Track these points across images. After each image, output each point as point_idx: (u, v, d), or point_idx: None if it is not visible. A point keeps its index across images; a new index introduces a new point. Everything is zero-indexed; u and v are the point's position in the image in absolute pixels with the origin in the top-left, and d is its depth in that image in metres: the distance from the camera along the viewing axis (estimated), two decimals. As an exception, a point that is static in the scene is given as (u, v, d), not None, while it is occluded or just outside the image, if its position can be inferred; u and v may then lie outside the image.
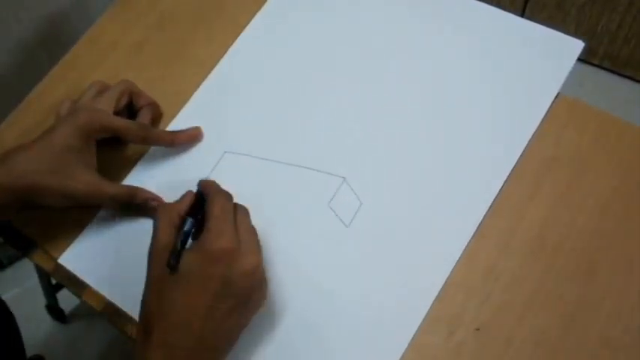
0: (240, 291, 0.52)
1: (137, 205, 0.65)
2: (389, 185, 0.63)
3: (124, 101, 0.69)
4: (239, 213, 0.56)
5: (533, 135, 0.63)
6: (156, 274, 0.53)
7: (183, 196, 0.58)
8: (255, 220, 0.62)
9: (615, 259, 0.58)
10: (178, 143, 0.69)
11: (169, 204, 0.58)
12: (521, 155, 0.63)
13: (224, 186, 0.66)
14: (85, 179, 0.63)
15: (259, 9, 0.77)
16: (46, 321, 1.46)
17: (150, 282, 0.54)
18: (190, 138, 0.69)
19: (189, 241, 0.54)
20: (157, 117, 0.72)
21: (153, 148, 0.70)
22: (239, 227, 0.54)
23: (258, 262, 0.53)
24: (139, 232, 0.65)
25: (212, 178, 0.66)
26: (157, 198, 0.65)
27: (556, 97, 0.65)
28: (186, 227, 0.54)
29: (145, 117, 0.70)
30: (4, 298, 0.79)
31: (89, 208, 0.66)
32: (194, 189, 0.65)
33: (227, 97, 0.72)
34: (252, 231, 0.55)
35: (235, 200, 0.65)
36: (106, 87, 0.70)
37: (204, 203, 0.56)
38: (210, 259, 0.51)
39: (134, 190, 0.65)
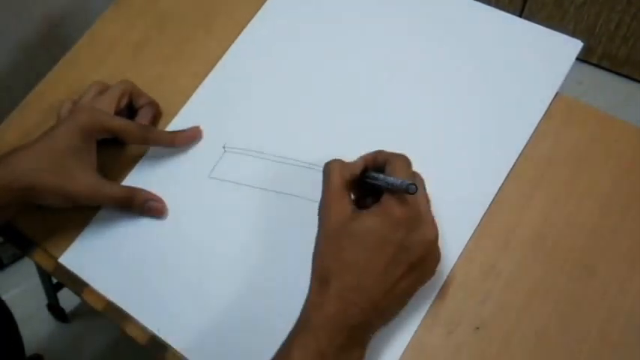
0: (415, 259, 0.52)
1: (137, 205, 0.65)
2: (388, 184, 0.64)
3: (124, 101, 0.69)
4: (420, 183, 0.56)
5: (532, 134, 0.64)
6: (332, 227, 0.53)
7: (356, 160, 0.57)
8: (255, 219, 0.63)
9: (614, 258, 0.58)
10: (179, 143, 0.69)
11: (339, 160, 0.57)
12: (520, 154, 0.63)
13: (226, 185, 0.66)
14: (85, 180, 0.63)
15: (259, 9, 0.77)
16: (47, 320, 1.46)
17: (326, 234, 0.54)
18: (190, 138, 0.69)
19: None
20: (157, 116, 0.72)
21: (153, 148, 0.70)
22: (417, 197, 0.53)
23: (436, 233, 0.53)
24: (140, 231, 0.65)
25: (213, 176, 0.67)
26: (157, 198, 0.65)
27: (555, 96, 0.65)
28: (374, 173, 0.55)
29: (144, 116, 0.70)
30: (4, 297, 0.79)
31: (90, 207, 0.67)
32: (199, 187, 0.66)
33: (227, 96, 0.72)
34: (429, 201, 0.55)
35: (237, 197, 0.65)
36: (106, 87, 0.70)
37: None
38: (392, 223, 0.51)
39: (134, 191, 0.65)
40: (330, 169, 0.56)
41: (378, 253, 0.51)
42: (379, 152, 0.57)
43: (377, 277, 0.51)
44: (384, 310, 0.53)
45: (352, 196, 0.56)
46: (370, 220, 0.52)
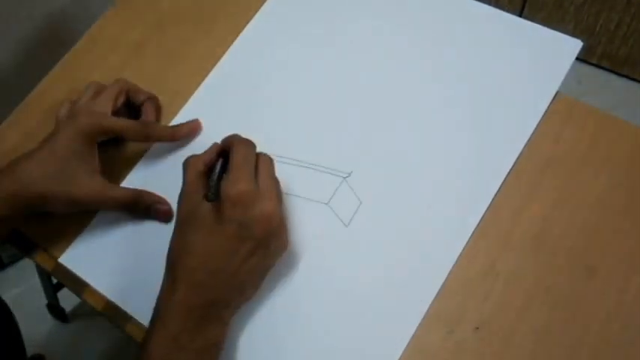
0: (257, 234, 0.54)
1: (143, 208, 0.65)
2: (388, 184, 0.64)
3: (121, 100, 0.69)
4: (261, 160, 0.58)
5: (532, 134, 0.64)
6: (181, 217, 0.57)
7: (210, 148, 0.60)
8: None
9: (614, 258, 0.58)
10: (179, 137, 0.69)
11: (195, 156, 0.60)
12: (520, 154, 0.63)
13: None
14: (91, 185, 0.63)
15: (259, 8, 0.77)
16: (47, 320, 1.46)
17: (176, 225, 0.57)
18: (190, 131, 0.70)
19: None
20: (158, 109, 0.72)
21: (154, 147, 0.70)
22: (259, 174, 0.56)
23: (273, 207, 0.55)
24: (140, 231, 0.66)
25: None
26: (162, 201, 0.65)
27: (554, 96, 0.65)
28: (216, 169, 0.58)
29: (149, 112, 0.70)
30: (5, 297, 0.79)
31: (91, 208, 0.67)
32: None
33: (227, 96, 0.72)
34: (272, 179, 0.58)
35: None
36: (103, 87, 0.70)
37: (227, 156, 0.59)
38: (228, 202, 0.53)
39: (139, 194, 0.65)
40: (185, 164, 0.59)
41: (218, 232, 0.54)
42: (230, 138, 0.60)
43: (222, 256, 0.54)
44: (239, 286, 0.55)
45: (222, 165, 0.58)
46: (210, 203, 0.55)
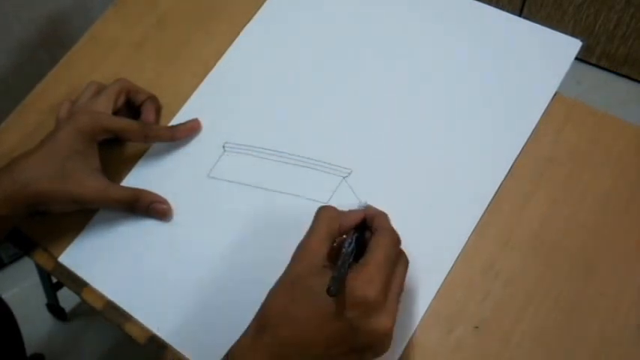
0: (360, 344, 0.49)
1: (142, 207, 0.65)
2: (387, 183, 0.64)
3: (121, 100, 0.69)
4: (399, 264, 0.52)
5: (532, 134, 0.64)
6: (295, 273, 0.51)
7: (353, 212, 0.56)
8: (255, 218, 0.63)
9: (613, 257, 0.58)
10: (178, 137, 0.69)
11: (334, 209, 0.55)
12: (519, 154, 0.63)
13: (225, 185, 0.66)
14: (92, 184, 0.63)
15: (259, 8, 0.77)
16: (47, 319, 1.46)
17: (286, 278, 0.51)
18: (190, 130, 0.70)
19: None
20: (158, 109, 0.72)
21: (154, 146, 0.70)
22: (392, 281, 0.50)
23: (392, 326, 0.49)
24: (139, 230, 0.66)
25: (213, 175, 0.67)
26: (161, 200, 0.66)
27: (554, 96, 0.65)
28: (349, 249, 0.51)
29: (149, 112, 0.70)
30: (4, 296, 0.79)
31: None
32: (199, 187, 0.66)
33: (227, 95, 0.72)
34: (401, 289, 0.51)
35: (236, 197, 0.65)
36: (103, 87, 0.70)
37: (364, 228, 0.54)
38: (350, 300, 0.48)
39: (139, 193, 0.65)
40: (320, 214, 0.54)
41: (324, 320, 0.48)
42: (377, 215, 0.55)
43: (317, 346, 0.48)
44: None
45: (354, 248, 0.52)
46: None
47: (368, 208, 0.56)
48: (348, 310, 0.47)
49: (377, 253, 0.50)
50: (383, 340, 0.49)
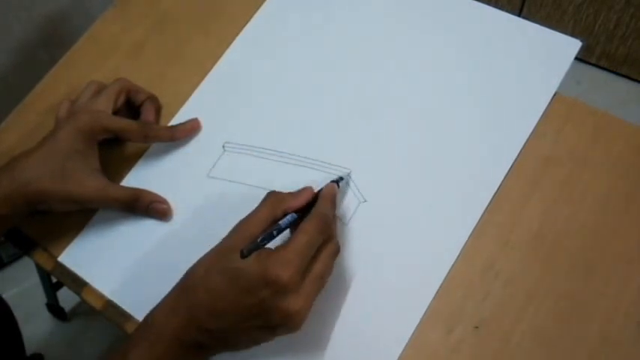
0: (272, 321, 0.51)
1: (142, 207, 0.65)
2: (387, 183, 0.64)
3: (121, 100, 0.69)
4: (325, 249, 0.54)
5: (531, 133, 0.64)
6: (226, 246, 0.53)
7: (300, 193, 0.58)
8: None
9: (613, 256, 0.58)
10: (178, 137, 0.69)
11: (281, 193, 0.57)
12: (519, 153, 0.63)
13: (225, 184, 0.66)
14: (92, 184, 0.63)
15: (258, 8, 0.77)
16: (47, 319, 1.46)
17: (215, 249, 0.54)
18: (190, 130, 0.70)
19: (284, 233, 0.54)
20: (158, 109, 0.72)
21: (153, 146, 0.70)
22: (314, 265, 0.53)
23: (304, 309, 0.51)
24: (139, 230, 0.66)
25: (212, 175, 0.67)
26: (161, 200, 0.66)
27: (553, 96, 0.65)
28: (283, 222, 0.54)
29: (148, 111, 0.70)
30: (4, 296, 0.79)
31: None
32: (199, 187, 0.66)
33: (227, 95, 0.72)
34: (322, 277, 0.54)
35: (236, 197, 0.65)
36: (103, 86, 0.70)
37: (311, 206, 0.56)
38: (264, 278, 0.50)
39: (139, 193, 0.65)
40: (266, 197, 0.56)
41: (239, 294, 0.51)
42: (321, 198, 0.57)
43: (231, 316, 0.51)
44: (228, 342, 0.53)
45: (288, 224, 0.55)
46: (252, 264, 0.51)
47: (320, 190, 0.58)
48: (261, 288, 0.50)
49: (299, 237, 0.52)
50: (294, 320, 0.51)
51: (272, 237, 0.53)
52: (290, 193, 0.57)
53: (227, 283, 0.51)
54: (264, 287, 0.50)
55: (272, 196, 0.56)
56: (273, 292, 0.50)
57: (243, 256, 0.51)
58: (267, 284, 0.50)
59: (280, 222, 0.54)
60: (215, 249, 0.54)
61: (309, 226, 0.53)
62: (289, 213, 0.56)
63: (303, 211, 0.56)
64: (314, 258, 0.53)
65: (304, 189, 0.58)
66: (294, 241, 0.52)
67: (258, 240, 0.52)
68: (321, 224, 0.54)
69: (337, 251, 0.56)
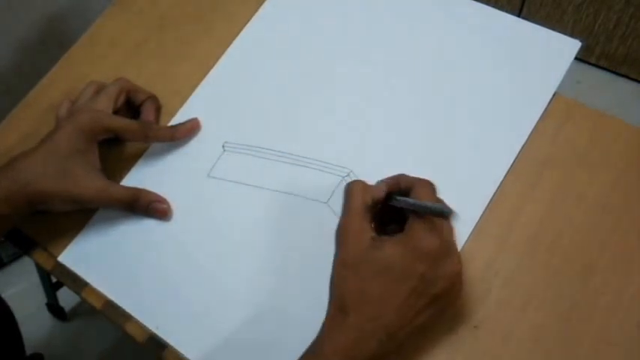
0: (437, 292, 0.51)
1: (142, 207, 0.65)
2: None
3: (121, 100, 0.69)
4: None
5: (531, 133, 0.64)
6: (351, 254, 0.52)
7: (383, 182, 0.56)
8: (254, 218, 0.63)
9: (612, 256, 0.58)
10: (178, 137, 0.69)
11: (363, 183, 0.56)
12: (518, 153, 0.63)
13: (225, 184, 0.67)
14: (92, 184, 0.63)
15: (258, 8, 0.77)
16: (47, 319, 1.46)
17: (344, 261, 0.52)
18: (190, 130, 0.70)
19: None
20: (158, 109, 0.72)
21: (153, 146, 0.70)
22: (444, 226, 0.52)
23: (460, 267, 0.52)
24: (139, 230, 0.66)
25: (212, 175, 0.67)
26: (161, 199, 0.66)
27: (553, 96, 0.65)
28: (402, 199, 0.53)
29: (149, 111, 0.70)
30: (4, 296, 0.79)
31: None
32: (198, 187, 0.66)
33: (227, 95, 0.72)
34: (454, 232, 0.54)
35: (236, 197, 0.65)
36: (103, 86, 0.70)
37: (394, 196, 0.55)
38: (415, 255, 0.50)
39: (139, 193, 0.65)
40: (351, 190, 0.55)
41: (400, 284, 0.50)
42: (402, 176, 0.56)
43: (397, 309, 0.50)
44: (400, 341, 0.51)
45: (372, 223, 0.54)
46: (393, 249, 0.51)
47: (388, 179, 0.57)
48: (418, 266, 0.50)
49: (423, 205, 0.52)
50: (456, 282, 0.52)
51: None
52: (371, 186, 0.56)
53: (385, 284, 0.50)
54: (421, 262, 0.50)
55: (355, 186, 0.55)
56: (431, 262, 0.50)
57: (448, 215, 0.50)
58: (422, 257, 0.50)
59: (414, 202, 0.53)
60: (346, 262, 0.52)
61: (423, 191, 0.53)
62: (376, 201, 0.54)
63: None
64: None
65: (381, 181, 0.57)
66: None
67: (442, 206, 0.51)
68: (431, 185, 0.54)
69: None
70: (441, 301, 0.52)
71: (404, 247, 0.51)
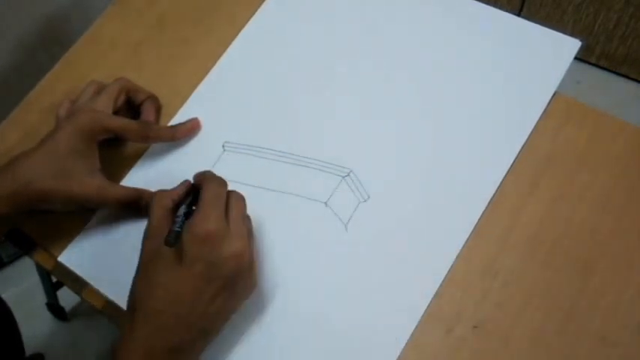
0: (226, 273, 0.52)
1: (143, 207, 0.65)
2: (386, 183, 0.64)
3: (121, 100, 0.69)
4: (232, 199, 0.56)
5: (531, 133, 0.64)
6: (146, 257, 0.55)
7: (179, 185, 0.59)
8: (254, 218, 0.63)
9: (612, 256, 0.58)
10: (179, 137, 0.69)
11: (164, 191, 0.58)
12: (518, 153, 0.63)
13: (228, 184, 0.66)
14: (92, 184, 0.63)
15: (258, 8, 0.77)
16: (47, 319, 1.46)
17: (140, 263, 0.55)
18: (190, 130, 0.70)
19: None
20: (158, 109, 0.72)
21: (153, 146, 0.70)
22: (229, 212, 0.55)
23: (243, 246, 0.53)
24: (139, 229, 0.65)
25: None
26: None
27: (553, 95, 0.65)
28: (180, 211, 0.56)
29: (149, 111, 0.70)
30: (4, 296, 0.79)
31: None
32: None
33: (227, 95, 0.72)
34: (242, 217, 0.56)
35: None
36: (103, 86, 0.70)
37: (197, 193, 0.57)
38: (196, 241, 0.52)
39: (140, 193, 0.65)
40: (153, 198, 0.57)
41: (184, 273, 0.52)
42: (201, 175, 0.59)
43: (188, 298, 0.52)
44: (204, 330, 0.53)
45: (186, 209, 0.56)
46: (179, 239, 0.53)
47: (194, 176, 0.60)
48: (198, 250, 0.51)
49: (205, 195, 0.55)
50: (242, 264, 0.53)
51: (181, 220, 0.55)
52: (171, 190, 0.59)
53: (167, 274, 0.52)
54: (201, 247, 0.51)
55: (157, 195, 0.57)
56: (210, 246, 0.52)
57: (172, 244, 0.52)
58: (201, 242, 0.51)
59: (179, 212, 0.56)
60: (139, 263, 0.55)
61: (208, 184, 0.56)
62: (178, 200, 0.57)
63: (192, 204, 0.57)
64: (227, 207, 0.55)
65: (181, 183, 0.60)
66: (203, 199, 0.54)
67: (174, 227, 0.53)
68: (218, 180, 0.57)
69: (243, 198, 0.57)
70: (236, 284, 0.53)
71: (186, 235, 0.52)
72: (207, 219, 0.53)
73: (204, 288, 0.52)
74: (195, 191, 0.58)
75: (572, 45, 0.67)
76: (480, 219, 0.61)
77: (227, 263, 0.52)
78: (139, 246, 0.64)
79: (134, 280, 0.55)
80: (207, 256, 0.52)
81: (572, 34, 0.67)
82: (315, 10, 0.76)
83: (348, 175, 0.64)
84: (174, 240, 0.52)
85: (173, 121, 0.71)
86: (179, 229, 0.53)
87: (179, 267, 0.52)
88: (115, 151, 0.70)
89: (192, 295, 0.52)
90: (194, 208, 0.55)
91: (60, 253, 0.66)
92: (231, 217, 0.54)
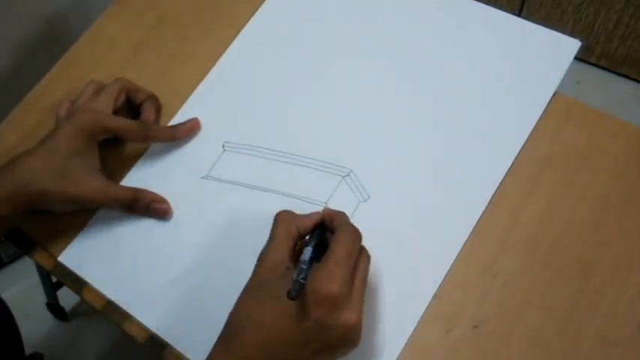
0: (331, 340, 0.49)
1: (142, 207, 0.65)
2: (387, 183, 0.64)
3: (121, 100, 0.69)
4: (362, 258, 0.53)
5: (531, 133, 0.64)
6: (259, 279, 0.52)
7: (310, 214, 0.56)
8: (254, 218, 0.63)
9: (612, 257, 0.58)
10: (179, 137, 0.69)
11: (291, 213, 0.56)
12: (518, 153, 0.63)
13: (225, 184, 0.66)
14: (92, 184, 0.63)
15: (258, 7, 0.77)
16: (47, 319, 1.46)
17: (250, 285, 0.52)
18: (190, 130, 0.70)
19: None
20: (158, 109, 0.72)
21: (153, 146, 0.70)
22: (356, 274, 0.51)
23: (359, 319, 0.50)
24: (139, 229, 0.66)
25: (212, 175, 0.67)
26: (161, 199, 0.66)
27: (553, 95, 0.65)
28: (306, 256, 0.52)
29: (149, 111, 0.70)
30: (4, 295, 0.79)
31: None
32: (198, 186, 0.66)
33: (227, 95, 0.72)
34: (365, 282, 0.52)
35: (236, 197, 0.65)
36: (103, 86, 0.70)
37: (324, 230, 0.55)
38: (315, 299, 0.48)
39: (139, 193, 0.65)
40: (278, 217, 0.55)
41: (292, 320, 0.49)
42: (336, 215, 0.56)
43: (285, 344, 0.49)
44: None
45: (311, 255, 0.53)
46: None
47: (325, 210, 0.57)
48: (314, 309, 0.48)
49: (337, 249, 0.51)
50: (352, 335, 0.50)
51: (307, 269, 0.51)
52: (299, 215, 0.56)
53: (275, 314, 0.49)
54: (318, 306, 0.48)
55: (281, 216, 0.55)
56: (328, 309, 0.48)
57: (293, 297, 0.48)
58: (320, 302, 0.48)
59: (301, 257, 0.52)
60: (250, 284, 0.52)
61: (342, 236, 0.52)
62: (303, 231, 0.55)
63: (316, 240, 0.55)
64: (354, 268, 0.51)
65: (312, 212, 0.57)
66: (334, 254, 0.50)
67: (298, 278, 0.49)
68: (354, 233, 0.53)
69: (370, 259, 0.54)
70: (337, 352, 0.51)
71: (305, 288, 0.49)
72: (333, 279, 0.49)
73: (306, 344, 0.49)
74: (322, 229, 0.55)
75: (572, 45, 0.67)
76: (480, 219, 0.61)
77: (338, 330, 0.49)
78: (139, 246, 0.65)
79: (241, 296, 0.52)
80: (320, 317, 0.48)
81: (572, 34, 0.67)
82: (315, 10, 0.76)
83: (348, 175, 0.64)
84: (296, 294, 0.48)
85: (173, 121, 0.71)
86: (303, 281, 0.49)
87: (289, 315, 0.49)
88: (115, 151, 0.70)
89: (293, 349, 0.49)
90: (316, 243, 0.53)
91: (60, 253, 0.66)
92: (356, 281, 0.51)
